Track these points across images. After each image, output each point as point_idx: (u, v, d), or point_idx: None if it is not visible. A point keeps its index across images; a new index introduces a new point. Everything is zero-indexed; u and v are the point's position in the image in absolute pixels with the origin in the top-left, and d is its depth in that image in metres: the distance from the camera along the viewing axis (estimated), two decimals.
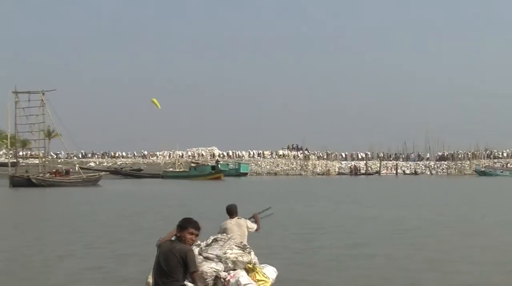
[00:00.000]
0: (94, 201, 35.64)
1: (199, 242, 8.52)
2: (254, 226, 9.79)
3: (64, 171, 57.53)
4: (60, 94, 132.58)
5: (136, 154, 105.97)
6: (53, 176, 54.61)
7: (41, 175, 53.77)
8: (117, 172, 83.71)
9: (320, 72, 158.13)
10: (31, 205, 34.39)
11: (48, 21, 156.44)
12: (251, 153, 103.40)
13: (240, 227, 9.57)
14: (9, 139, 58.17)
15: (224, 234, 9.25)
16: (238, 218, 9.73)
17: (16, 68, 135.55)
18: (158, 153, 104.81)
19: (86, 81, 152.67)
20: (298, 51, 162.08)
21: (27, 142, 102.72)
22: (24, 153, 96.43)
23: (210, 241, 8.89)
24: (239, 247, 8.85)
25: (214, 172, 76.60)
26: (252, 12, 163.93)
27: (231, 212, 9.78)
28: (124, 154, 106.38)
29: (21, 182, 51.43)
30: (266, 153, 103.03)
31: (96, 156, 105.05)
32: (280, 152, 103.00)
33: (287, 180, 75.44)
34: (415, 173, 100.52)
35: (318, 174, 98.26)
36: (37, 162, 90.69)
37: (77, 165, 58.60)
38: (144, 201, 34.92)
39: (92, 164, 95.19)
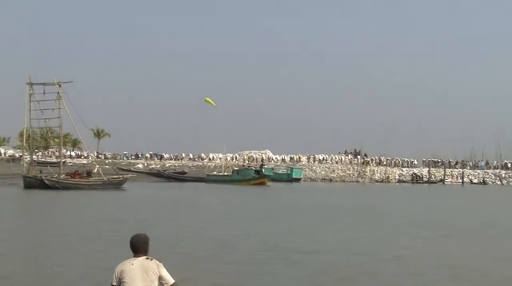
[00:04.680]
0: (81, 208, 30.21)
1: None
2: (171, 280, 6.00)
3: (85, 172, 52.49)
4: (99, 92, 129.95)
5: (184, 156, 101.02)
6: (70, 177, 49.46)
7: (56, 176, 48.54)
8: (159, 175, 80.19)
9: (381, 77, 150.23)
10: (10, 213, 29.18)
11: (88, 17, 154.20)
12: (305, 157, 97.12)
13: (147, 273, 5.90)
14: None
15: None
16: (147, 258, 5.99)
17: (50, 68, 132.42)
18: (209, 156, 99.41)
19: (135, 81, 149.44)
20: (357, 55, 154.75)
21: (78, 142, 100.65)
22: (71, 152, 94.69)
23: None
24: None
25: (258, 177, 70.38)
26: (315, 19, 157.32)
27: (137, 248, 6.06)
28: (170, 155, 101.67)
29: (34, 183, 46.90)
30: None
31: (144, 157, 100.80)
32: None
33: (342, 187, 68.61)
34: (484, 183, 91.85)
35: (377, 181, 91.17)
36: (85, 162, 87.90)
37: (97, 166, 53.10)
38: (138, 213, 29.07)
39: (140, 166, 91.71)
